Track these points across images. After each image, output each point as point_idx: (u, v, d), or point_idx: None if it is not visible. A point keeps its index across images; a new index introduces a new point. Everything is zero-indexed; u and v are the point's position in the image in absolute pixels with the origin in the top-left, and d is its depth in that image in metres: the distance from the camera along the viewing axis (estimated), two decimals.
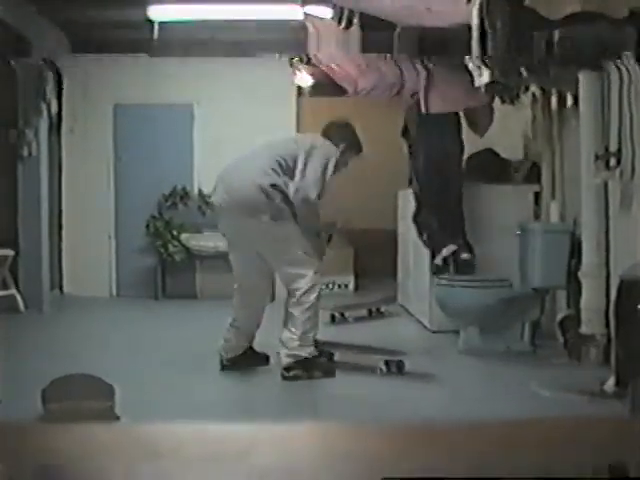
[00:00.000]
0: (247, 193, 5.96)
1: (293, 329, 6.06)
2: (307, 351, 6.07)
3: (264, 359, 6.38)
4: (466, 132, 8.04)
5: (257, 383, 6.17)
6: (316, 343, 6.22)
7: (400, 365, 6.15)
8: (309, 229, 6.09)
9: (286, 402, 5.79)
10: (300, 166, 6.03)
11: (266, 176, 5.97)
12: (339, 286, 10.55)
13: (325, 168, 6.06)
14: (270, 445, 1.33)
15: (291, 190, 5.97)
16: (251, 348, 6.38)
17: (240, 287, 6.29)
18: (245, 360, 6.31)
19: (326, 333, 7.03)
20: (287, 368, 6.02)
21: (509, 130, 8.28)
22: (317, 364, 6.13)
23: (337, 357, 6.52)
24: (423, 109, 7.56)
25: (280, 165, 6.02)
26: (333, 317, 8.59)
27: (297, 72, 9.34)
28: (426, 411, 5.22)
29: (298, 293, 6.05)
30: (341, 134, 6.41)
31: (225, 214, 6.18)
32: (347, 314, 8.67)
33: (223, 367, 6.28)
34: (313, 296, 6.06)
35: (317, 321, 6.17)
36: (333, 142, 6.29)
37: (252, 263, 6.18)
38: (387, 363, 6.17)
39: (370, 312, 8.93)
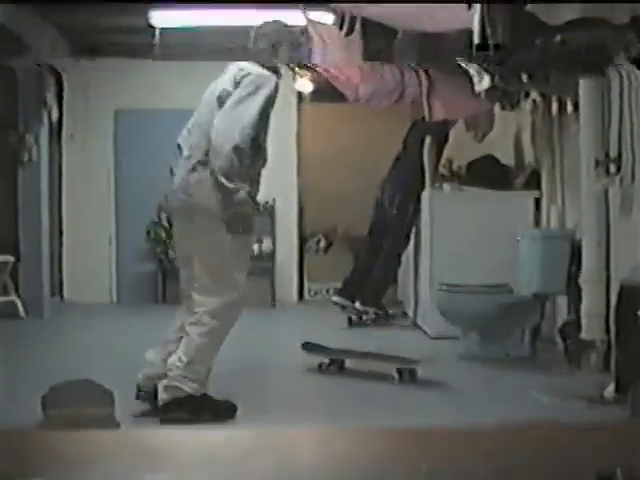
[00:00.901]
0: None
1: (182, 353, 4.94)
2: (191, 386, 4.91)
3: None
4: (465, 138, 8.05)
5: (269, 382, 6.17)
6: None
7: (413, 373, 6.11)
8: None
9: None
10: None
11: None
12: None
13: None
14: (269, 449, 1.33)
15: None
16: None
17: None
18: None
19: (332, 336, 7.04)
20: (165, 407, 4.90)
21: (510, 135, 8.28)
22: (204, 404, 4.94)
23: (348, 364, 6.49)
24: (427, 117, 7.58)
25: None
26: (350, 320, 8.69)
27: (298, 78, 9.34)
28: (425, 416, 5.22)
29: (201, 310, 4.97)
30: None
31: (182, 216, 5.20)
32: (365, 317, 8.71)
33: None
34: (218, 320, 4.96)
35: (214, 353, 5.02)
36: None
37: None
38: (400, 371, 6.12)
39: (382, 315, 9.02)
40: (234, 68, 5.19)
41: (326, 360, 6.46)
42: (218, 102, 5.06)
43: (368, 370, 6.35)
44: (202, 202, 4.96)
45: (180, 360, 4.91)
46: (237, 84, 5.05)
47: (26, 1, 7.83)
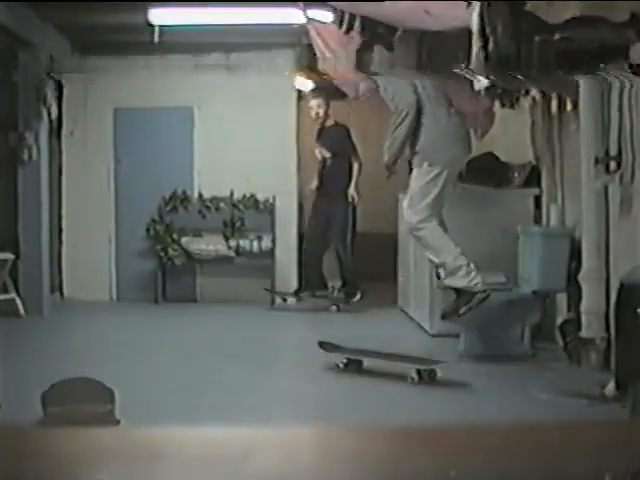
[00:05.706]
0: None
1: None
2: None
3: None
4: None
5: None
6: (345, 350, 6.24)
7: (432, 374, 6.08)
8: None
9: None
10: None
11: None
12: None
13: None
14: (270, 448, 1.33)
15: None
16: None
17: None
18: None
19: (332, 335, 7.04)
20: None
21: (510, 133, 8.29)
22: None
23: (366, 364, 6.46)
24: None
25: None
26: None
27: (297, 76, 9.34)
28: (424, 413, 5.22)
29: None
30: None
31: None
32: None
33: None
34: None
35: None
36: None
37: None
38: (419, 372, 6.08)
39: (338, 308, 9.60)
40: None
41: (344, 360, 6.41)
42: None
43: (386, 371, 6.28)
44: None
45: None
46: None
47: (26, 0, 7.83)
